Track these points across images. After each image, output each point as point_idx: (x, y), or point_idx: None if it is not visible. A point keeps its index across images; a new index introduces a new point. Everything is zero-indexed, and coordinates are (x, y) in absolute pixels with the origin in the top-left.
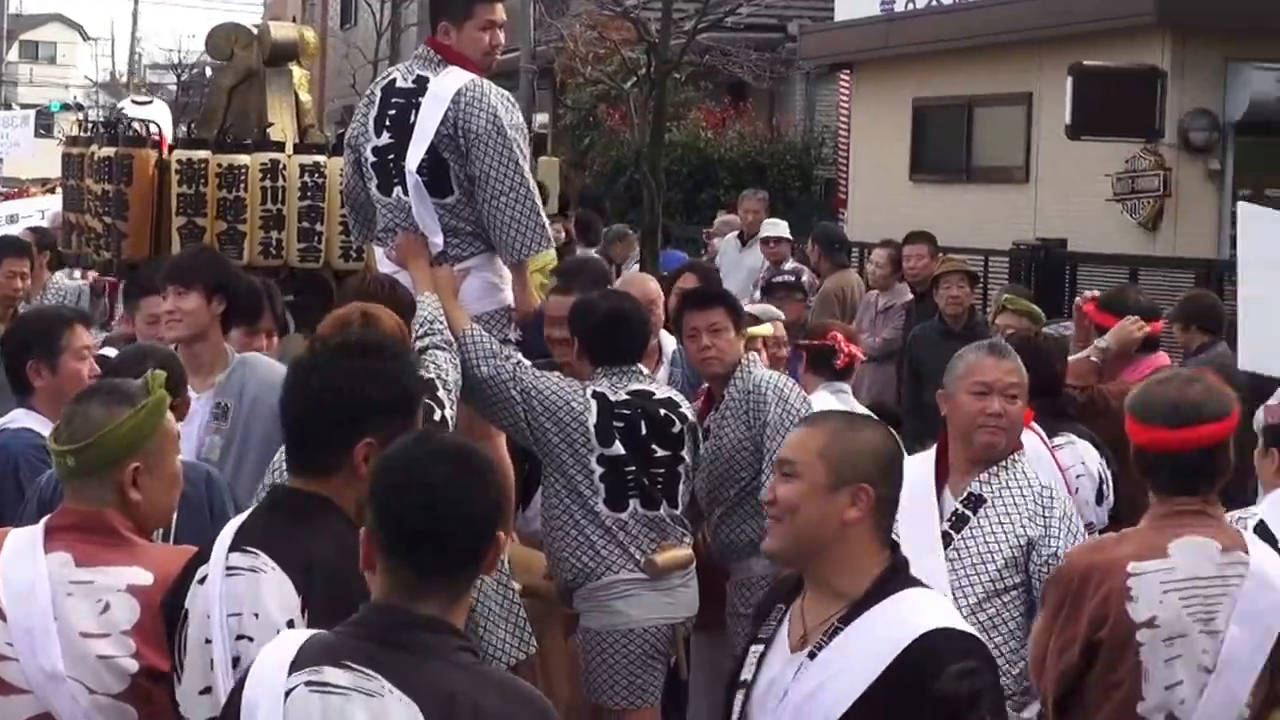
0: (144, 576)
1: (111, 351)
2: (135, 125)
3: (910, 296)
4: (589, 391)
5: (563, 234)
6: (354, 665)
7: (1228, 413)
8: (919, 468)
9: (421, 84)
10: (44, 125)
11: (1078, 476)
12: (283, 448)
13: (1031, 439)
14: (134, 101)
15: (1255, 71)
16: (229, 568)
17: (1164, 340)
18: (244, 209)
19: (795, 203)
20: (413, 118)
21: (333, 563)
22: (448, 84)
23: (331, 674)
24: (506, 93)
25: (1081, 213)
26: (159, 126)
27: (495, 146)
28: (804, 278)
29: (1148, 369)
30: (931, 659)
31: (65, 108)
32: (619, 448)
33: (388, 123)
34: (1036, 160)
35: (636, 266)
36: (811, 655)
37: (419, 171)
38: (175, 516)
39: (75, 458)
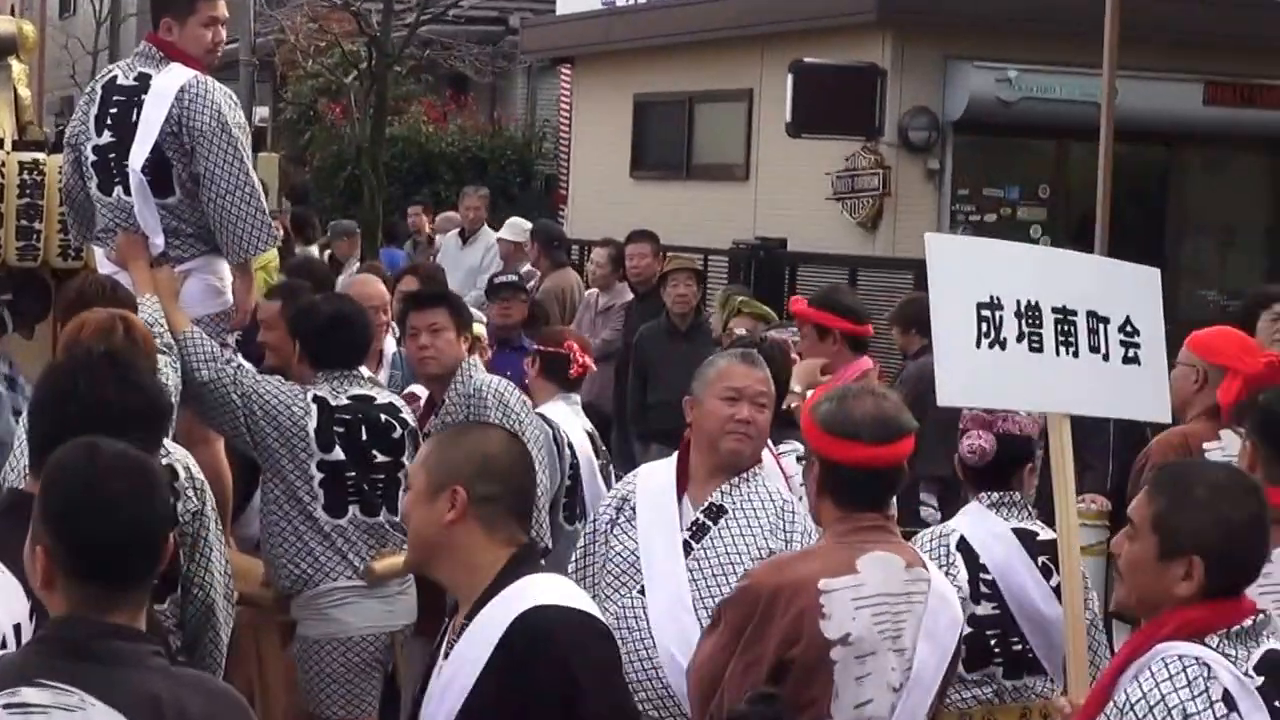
0: None
1: None
2: None
3: (631, 296)
4: (309, 396)
5: (279, 230)
6: (50, 683)
7: (914, 427)
8: (660, 474)
9: (144, 81)
10: None
11: (801, 485)
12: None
13: None
14: None
15: (974, 70)
16: None
17: (882, 343)
18: None
19: (516, 198)
20: (135, 116)
21: None
22: (171, 81)
23: (28, 694)
24: (229, 90)
25: (801, 212)
26: None
27: (220, 145)
28: (530, 281)
29: (855, 372)
30: (535, 634)
31: None
32: (339, 453)
33: (109, 121)
34: (757, 158)
35: (358, 264)
36: (446, 655)
37: (143, 170)
38: None
39: None
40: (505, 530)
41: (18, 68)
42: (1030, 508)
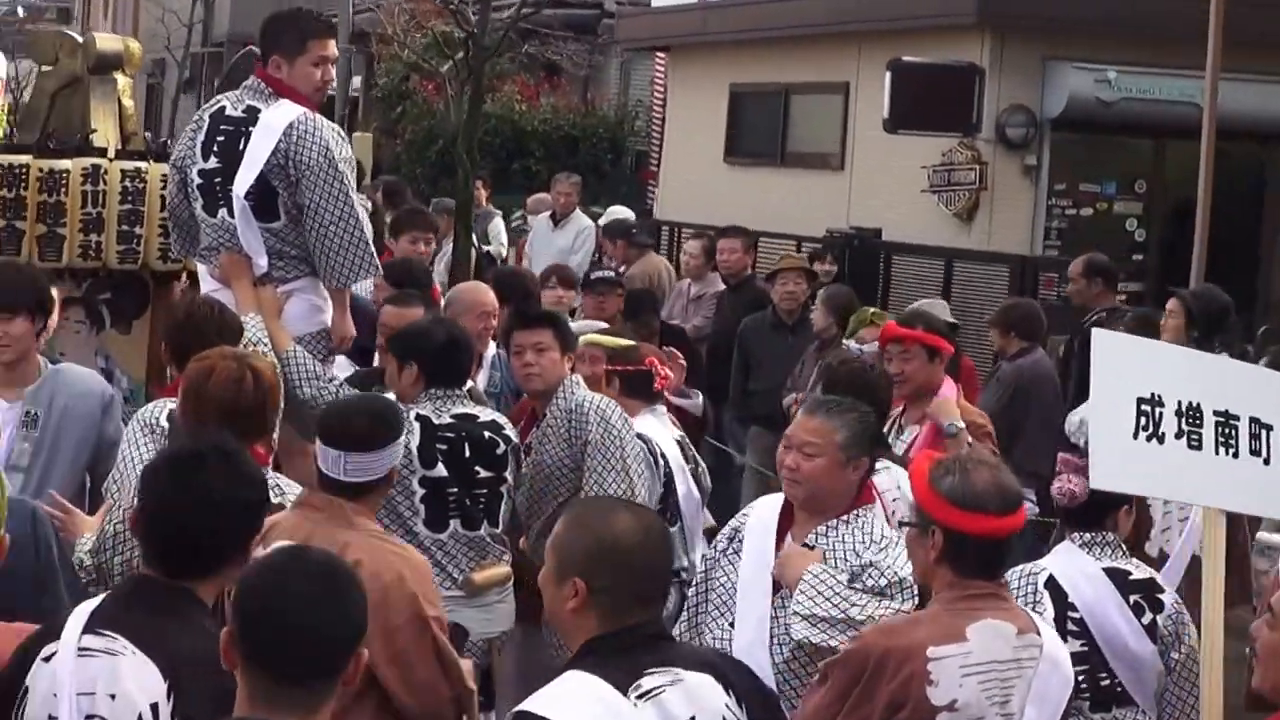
0: None
1: None
2: None
3: (722, 286)
4: (412, 415)
5: (369, 203)
6: None
7: (1024, 496)
8: (768, 509)
9: (252, 114)
10: None
11: (893, 500)
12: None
13: None
14: None
15: (1074, 71)
16: (81, 649)
17: (980, 344)
18: (64, 212)
19: (607, 175)
20: (241, 145)
21: (200, 654)
22: (279, 117)
23: None
24: (337, 127)
25: (897, 203)
26: None
27: (326, 178)
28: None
29: (951, 393)
30: None
31: None
32: (441, 469)
33: (215, 148)
34: (852, 149)
35: (450, 245)
36: None
37: (246, 196)
38: (51, 555)
39: None
40: (623, 615)
41: (122, 81)
42: (1124, 547)
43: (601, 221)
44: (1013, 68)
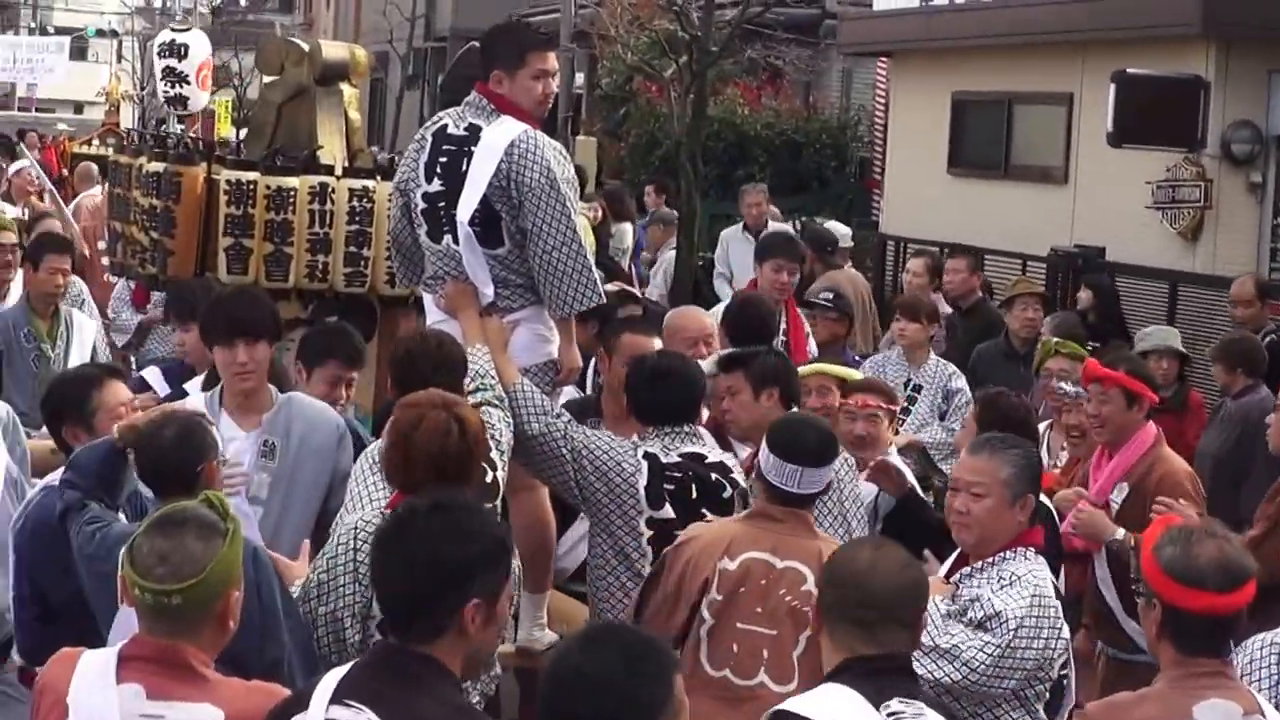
0: (214, 714)
1: (155, 375)
2: (186, 141)
3: (947, 309)
4: (640, 452)
5: (598, 213)
6: (351, 703)
7: (1255, 570)
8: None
9: (474, 132)
10: (78, 49)
11: None
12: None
13: None
14: (172, 29)
15: None
16: None
17: (1204, 379)
18: (291, 231)
19: (830, 182)
20: (464, 166)
21: None
22: (500, 136)
23: (335, 711)
24: (558, 145)
25: (1121, 219)
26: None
27: (548, 200)
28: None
29: (1148, 439)
30: None
31: (100, 34)
32: (669, 511)
33: (439, 169)
34: (1076, 162)
35: (673, 254)
36: None
37: (471, 222)
38: (273, 599)
39: (183, 596)
40: (846, 648)
41: (349, 92)
42: None
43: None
44: (1238, 81)
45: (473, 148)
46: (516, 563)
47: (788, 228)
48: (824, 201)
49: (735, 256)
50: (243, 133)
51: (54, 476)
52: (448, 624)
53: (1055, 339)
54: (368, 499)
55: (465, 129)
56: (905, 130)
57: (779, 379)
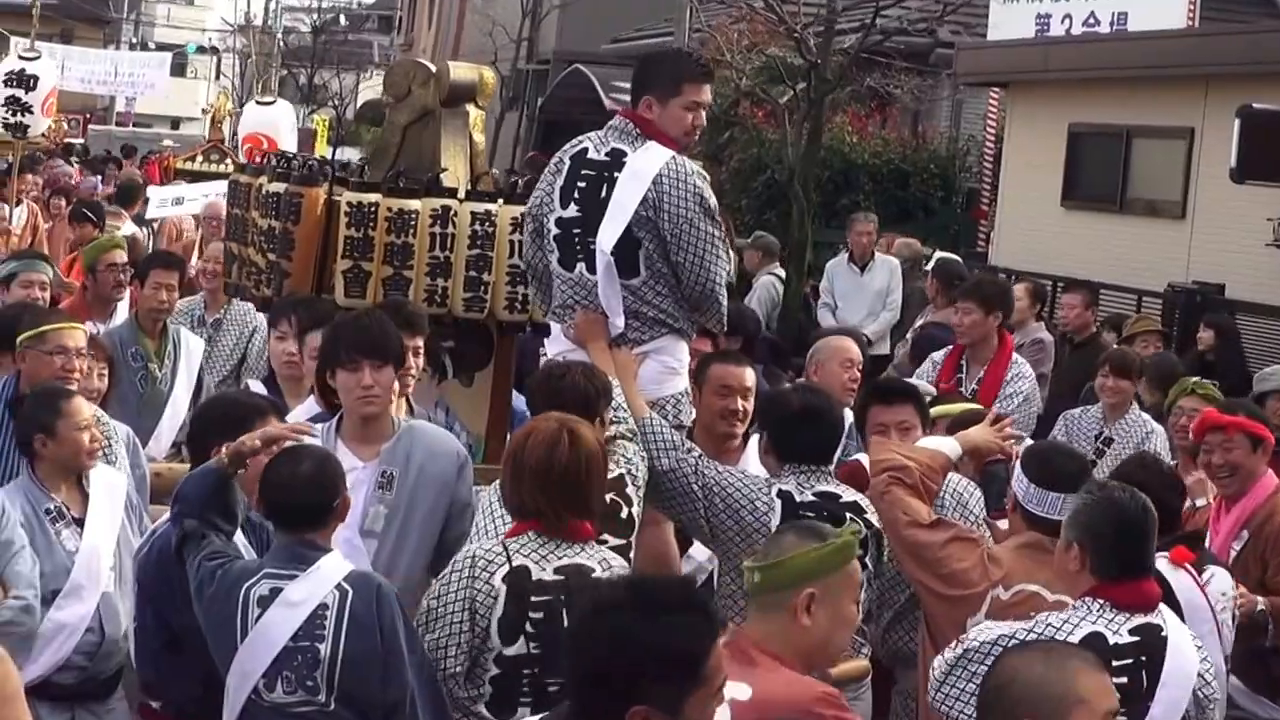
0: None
1: (259, 388)
2: (310, 163)
3: (1044, 334)
4: (774, 491)
5: None
6: None
7: None
8: None
9: (616, 157)
10: (178, 65)
11: (1221, 610)
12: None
13: (1184, 580)
14: (258, 103)
15: None
16: None
17: None
18: (411, 255)
19: (936, 212)
20: (604, 192)
21: None
22: (649, 162)
23: None
24: (701, 169)
25: (1240, 256)
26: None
27: (695, 229)
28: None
29: (1270, 487)
30: None
31: (200, 50)
32: None
33: (576, 194)
34: (1195, 198)
35: (768, 279)
36: None
37: (613, 251)
38: (343, 637)
39: (761, 574)
40: None
41: (474, 114)
42: None
43: (929, 265)
44: None
45: (614, 173)
46: None
47: (896, 261)
48: (930, 232)
49: (840, 286)
50: (340, 151)
51: None
52: (637, 698)
53: (1193, 379)
54: (491, 531)
55: (607, 154)
56: (1019, 161)
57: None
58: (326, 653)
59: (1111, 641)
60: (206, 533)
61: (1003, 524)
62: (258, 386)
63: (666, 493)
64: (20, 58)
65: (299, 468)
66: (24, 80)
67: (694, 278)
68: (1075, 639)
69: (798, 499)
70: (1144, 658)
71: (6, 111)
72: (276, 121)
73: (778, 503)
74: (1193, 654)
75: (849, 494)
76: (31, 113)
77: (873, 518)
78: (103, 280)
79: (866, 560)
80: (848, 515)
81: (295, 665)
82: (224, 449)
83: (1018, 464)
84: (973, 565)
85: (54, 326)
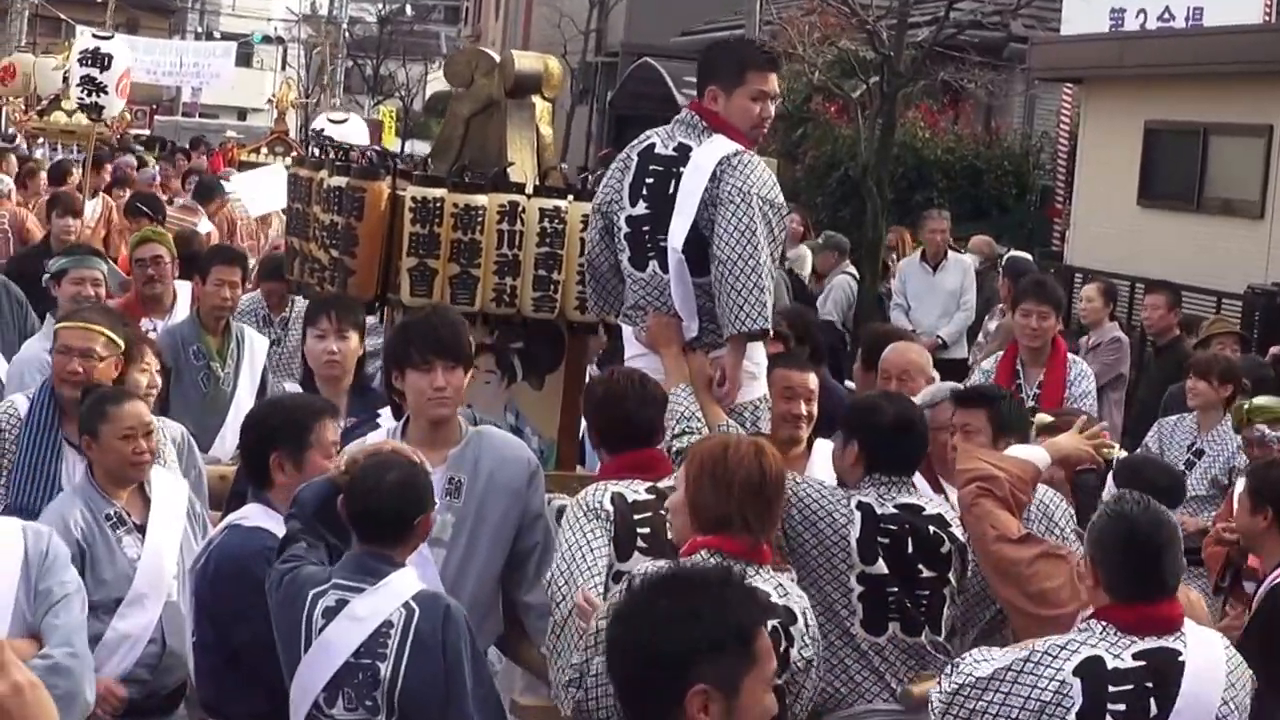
0: None
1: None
2: (371, 155)
3: (1118, 334)
4: (853, 502)
5: (800, 228)
6: None
7: None
8: None
9: (683, 152)
10: (244, 55)
11: None
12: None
13: None
14: (330, 120)
15: None
16: None
17: None
18: (479, 253)
19: (1010, 209)
20: (671, 188)
21: None
22: (710, 154)
23: None
24: (771, 170)
25: None
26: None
27: (738, 212)
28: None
29: None
30: None
31: (266, 40)
32: (882, 566)
33: (645, 191)
34: (1274, 196)
35: (841, 279)
36: None
37: (684, 249)
38: (406, 658)
39: None
40: None
41: (541, 105)
42: None
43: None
44: None
45: (681, 168)
46: None
47: (969, 259)
48: (1003, 229)
49: (912, 286)
50: (408, 144)
51: (236, 516)
52: (668, 716)
53: (1249, 403)
54: (585, 548)
55: (674, 149)
56: (1094, 159)
57: (1021, 427)
58: (387, 673)
59: (1110, 665)
60: (301, 538)
61: None
62: (293, 387)
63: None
64: (94, 36)
65: (386, 478)
66: (98, 59)
67: (720, 256)
68: (1071, 665)
69: (878, 511)
70: (1151, 683)
71: (82, 91)
72: (349, 139)
73: (857, 515)
74: (1216, 681)
75: (932, 506)
76: (106, 93)
77: (957, 531)
78: (137, 275)
79: (950, 576)
80: (931, 528)
81: (355, 683)
82: (342, 459)
83: (1110, 475)
84: (1063, 583)
85: (63, 324)
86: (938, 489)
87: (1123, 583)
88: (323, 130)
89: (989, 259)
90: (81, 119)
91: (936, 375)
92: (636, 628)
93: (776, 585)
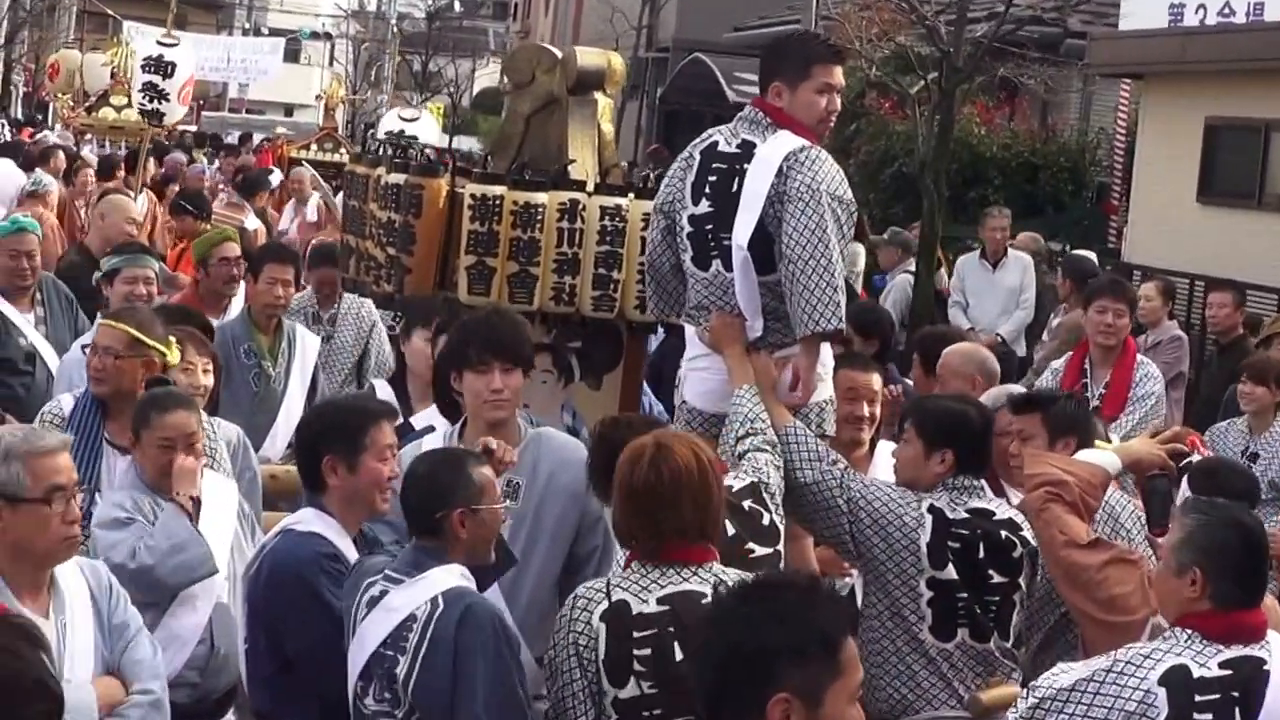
0: None
1: (384, 389)
2: (428, 152)
3: (1176, 332)
4: (924, 506)
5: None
6: None
7: None
8: None
9: (747, 149)
10: (291, 51)
11: None
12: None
13: None
14: (401, 117)
15: None
16: None
17: None
18: (538, 251)
19: (1066, 206)
20: (735, 185)
21: None
22: (776, 150)
23: None
24: (839, 168)
25: None
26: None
27: (807, 210)
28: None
29: None
30: None
31: (314, 36)
32: (952, 571)
33: (707, 189)
34: None
35: (904, 277)
36: None
37: (749, 247)
38: (421, 653)
39: None
40: None
41: (603, 102)
42: None
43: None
44: None
45: (745, 165)
46: None
47: (1028, 257)
48: (1060, 227)
49: (972, 284)
50: (456, 140)
51: (291, 520)
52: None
53: None
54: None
55: (737, 146)
56: (1153, 156)
57: (1076, 428)
58: (404, 666)
59: (1196, 675)
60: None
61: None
62: (384, 388)
63: (809, 507)
64: (159, 43)
65: (417, 469)
66: (162, 66)
67: (790, 255)
68: (1156, 674)
69: (950, 515)
70: (1236, 692)
71: (143, 97)
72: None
73: (928, 519)
74: None
75: (1003, 510)
76: (168, 100)
77: (1028, 534)
78: (215, 275)
79: (1020, 582)
80: (1003, 533)
81: (380, 673)
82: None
83: (1184, 479)
84: (1133, 590)
85: (100, 323)
86: (999, 492)
87: (1235, 590)
88: (401, 131)
89: (1037, 255)
90: (131, 114)
91: (998, 370)
92: (720, 631)
93: (717, 583)
